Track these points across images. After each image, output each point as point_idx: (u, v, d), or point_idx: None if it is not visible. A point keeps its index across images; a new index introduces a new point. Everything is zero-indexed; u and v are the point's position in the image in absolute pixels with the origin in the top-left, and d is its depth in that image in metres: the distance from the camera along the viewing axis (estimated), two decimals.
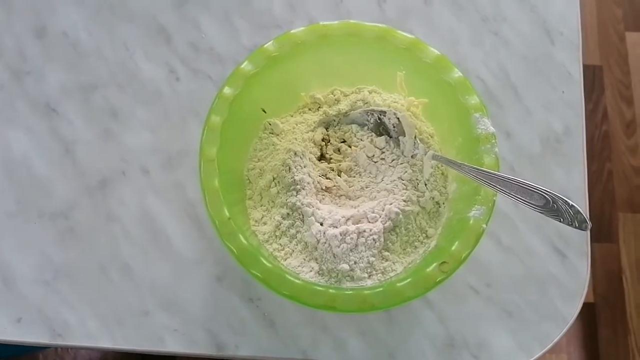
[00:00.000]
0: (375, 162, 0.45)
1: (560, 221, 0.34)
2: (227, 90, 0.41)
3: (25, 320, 0.44)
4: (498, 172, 0.38)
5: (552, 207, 0.34)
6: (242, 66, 0.41)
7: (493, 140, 0.40)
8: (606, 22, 1.20)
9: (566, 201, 0.34)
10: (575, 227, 0.33)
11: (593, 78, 1.16)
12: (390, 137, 0.45)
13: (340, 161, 0.45)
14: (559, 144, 0.50)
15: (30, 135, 0.49)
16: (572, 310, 0.45)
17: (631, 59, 1.18)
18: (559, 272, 0.46)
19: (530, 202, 0.35)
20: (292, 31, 0.42)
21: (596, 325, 1.01)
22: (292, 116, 0.46)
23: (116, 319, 0.44)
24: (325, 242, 0.40)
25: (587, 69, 1.16)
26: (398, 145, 0.44)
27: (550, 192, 0.35)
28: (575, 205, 0.34)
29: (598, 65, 1.17)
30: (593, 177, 1.10)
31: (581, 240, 0.47)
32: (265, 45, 0.42)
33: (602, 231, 1.06)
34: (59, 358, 0.96)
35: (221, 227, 0.38)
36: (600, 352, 0.99)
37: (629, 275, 1.04)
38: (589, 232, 0.47)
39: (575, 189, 0.48)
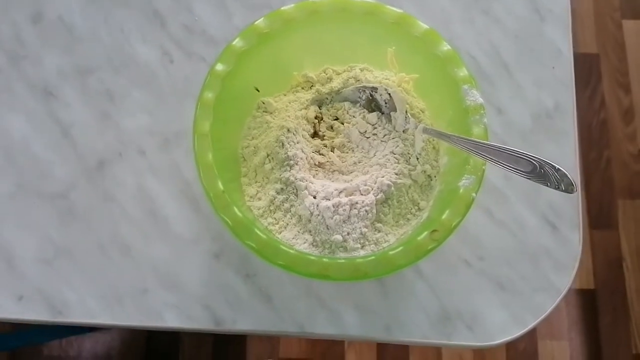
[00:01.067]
0: (367, 137, 0.45)
1: (547, 186, 0.35)
2: (219, 66, 0.41)
3: (26, 298, 0.45)
4: (487, 141, 0.39)
5: (539, 173, 0.35)
6: (234, 43, 0.42)
7: (482, 111, 0.40)
8: (603, 10, 1.20)
9: (553, 165, 0.34)
10: (562, 191, 0.34)
11: (590, 66, 1.17)
12: (382, 113, 0.46)
13: (333, 138, 0.46)
14: (550, 120, 0.50)
15: (29, 118, 0.50)
16: (565, 282, 0.46)
17: (628, 47, 1.18)
18: (551, 244, 0.47)
19: (518, 168, 0.36)
20: (282, 8, 0.43)
21: (597, 312, 1.01)
22: (285, 95, 0.47)
23: (116, 297, 0.45)
24: (318, 214, 0.41)
25: (584, 57, 1.16)
26: (390, 120, 0.45)
27: (536, 158, 0.35)
28: (562, 169, 0.34)
29: (595, 54, 1.18)
30: (592, 165, 1.10)
31: (573, 212, 0.47)
32: (256, 23, 0.43)
33: (602, 218, 1.07)
34: (63, 352, 0.97)
35: (216, 200, 0.39)
36: (601, 338, 1.00)
37: (629, 261, 1.04)
38: (580, 203, 0.48)
39: (566, 163, 0.49)
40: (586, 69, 1.16)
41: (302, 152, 0.44)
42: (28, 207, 0.47)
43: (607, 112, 1.14)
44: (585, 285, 1.03)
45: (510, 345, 0.98)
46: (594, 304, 1.02)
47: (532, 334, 0.99)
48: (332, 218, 0.40)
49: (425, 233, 0.38)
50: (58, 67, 0.51)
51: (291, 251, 0.38)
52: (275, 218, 0.42)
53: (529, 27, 0.53)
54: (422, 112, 0.45)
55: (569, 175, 0.34)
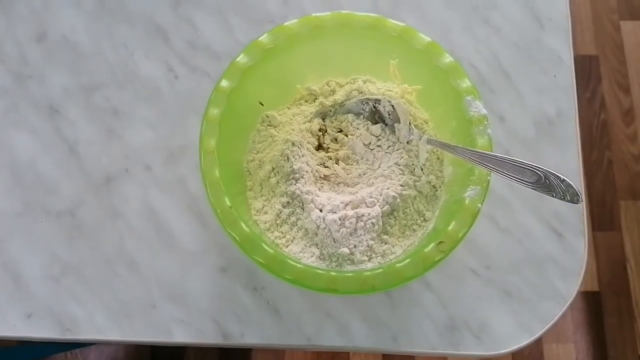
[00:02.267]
0: (371, 149, 0.46)
1: (552, 196, 0.35)
2: (224, 83, 0.42)
3: (35, 316, 0.45)
4: (491, 152, 0.39)
5: (544, 183, 0.35)
6: (238, 59, 0.42)
7: (485, 122, 0.41)
8: (601, 13, 1.21)
9: (558, 176, 0.35)
10: (568, 201, 0.34)
11: (590, 68, 1.17)
12: (386, 124, 0.46)
13: (337, 150, 0.46)
14: (552, 127, 0.51)
15: (35, 136, 0.50)
16: (572, 289, 0.46)
17: (627, 48, 1.18)
18: (557, 252, 0.47)
19: (523, 179, 0.36)
20: (285, 24, 0.43)
21: (602, 313, 1.01)
22: (289, 108, 0.47)
23: (124, 313, 0.45)
24: (325, 228, 0.41)
25: (583, 59, 1.17)
26: (393, 132, 0.45)
27: (542, 168, 0.35)
28: (567, 180, 0.34)
29: (594, 55, 1.18)
30: (593, 167, 1.10)
31: (577, 219, 0.47)
32: (260, 38, 0.43)
33: (605, 220, 1.07)
34: None
35: (223, 215, 0.39)
36: (607, 340, 0.99)
37: (633, 262, 1.04)
38: (584, 210, 0.48)
39: (570, 170, 0.49)
40: (586, 71, 1.17)
41: (307, 165, 0.44)
42: (35, 225, 0.48)
43: (608, 114, 1.14)
44: (590, 287, 1.03)
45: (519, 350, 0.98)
46: (598, 306, 1.01)
47: (537, 338, 0.99)
48: (338, 231, 0.40)
49: (432, 245, 0.38)
50: (63, 85, 0.51)
51: (299, 265, 0.38)
52: (281, 232, 0.42)
53: (529, 35, 0.54)
54: (426, 123, 0.46)
55: (574, 186, 0.34)
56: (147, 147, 0.50)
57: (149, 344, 0.45)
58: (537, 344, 0.99)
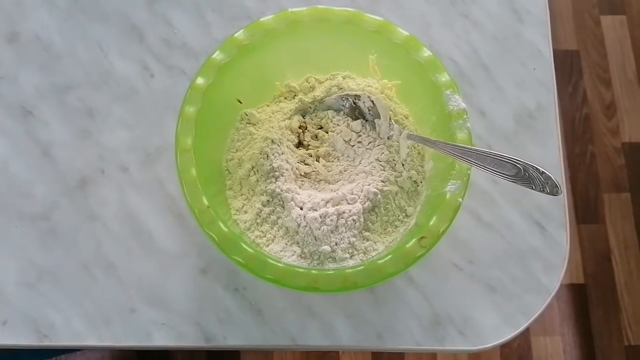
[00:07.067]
0: (352, 145, 0.45)
1: (532, 188, 0.35)
2: (199, 80, 0.41)
3: (11, 323, 0.44)
4: (471, 146, 0.39)
5: (524, 176, 0.35)
6: (214, 56, 0.42)
7: (465, 116, 0.40)
8: (581, 7, 1.22)
9: (537, 168, 0.34)
10: (547, 193, 0.34)
11: (571, 63, 1.18)
12: (366, 120, 0.45)
13: (318, 147, 0.46)
14: (532, 120, 0.50)
15: (7, 138, 0.49)
16: (554, 282, 0.46)
17: (607, 42, 1.19)
18: (540, 245, 0.47)
19: (503, 172, 0.36)
20: (261, 19, 0.43)
21: (588, 305, 1.02)
22: (268, 106, 0.47)
23: (102, 318, 0.44)
24: (305, 226, 0.40)
25: (564, 54, 1.18)
26: (374, 127, 0.45)
27: (521, 161, 0.35)
28: (546, 172, 0.34)
29: (575, 50, 1.19)
30: (576, 160, 1.11)
31: (559, 212, 0.47)
32: (236, 35, 0.42)
33: (589, 213, 1.08)
34: None
35: (200, 215, 0.38)
36: (593, 331, 1.00)
37: (617, 254, 1.05)
38: (566, 202, 0.48)
39: (551, 163, 0.49)
40: (567, 66, 1.17)
41: (287, 162, 0.43)
42: (9, 230, 0.46)
43: (590, 108, 1.15)
44: (575, 279, 1.04)
45: (504, 344, 0.98)
46: (584, 298, 1.02)
47: (525, 331, 0.99)
48: (319, 229, 0.40)
49: (414, 240, 0.38)
50: (36, 86, 0.50)
51: (279, 264, 0.37)
52: (262, 231, 0.42)
53: (508, 29, 0.53)
54: (406, 118, 0.45)
55: (553, 178, 0.34)
56: (123, 148, 0.49)
57: (129, 349, 0.44)
58: (525, 337, 0.99)
